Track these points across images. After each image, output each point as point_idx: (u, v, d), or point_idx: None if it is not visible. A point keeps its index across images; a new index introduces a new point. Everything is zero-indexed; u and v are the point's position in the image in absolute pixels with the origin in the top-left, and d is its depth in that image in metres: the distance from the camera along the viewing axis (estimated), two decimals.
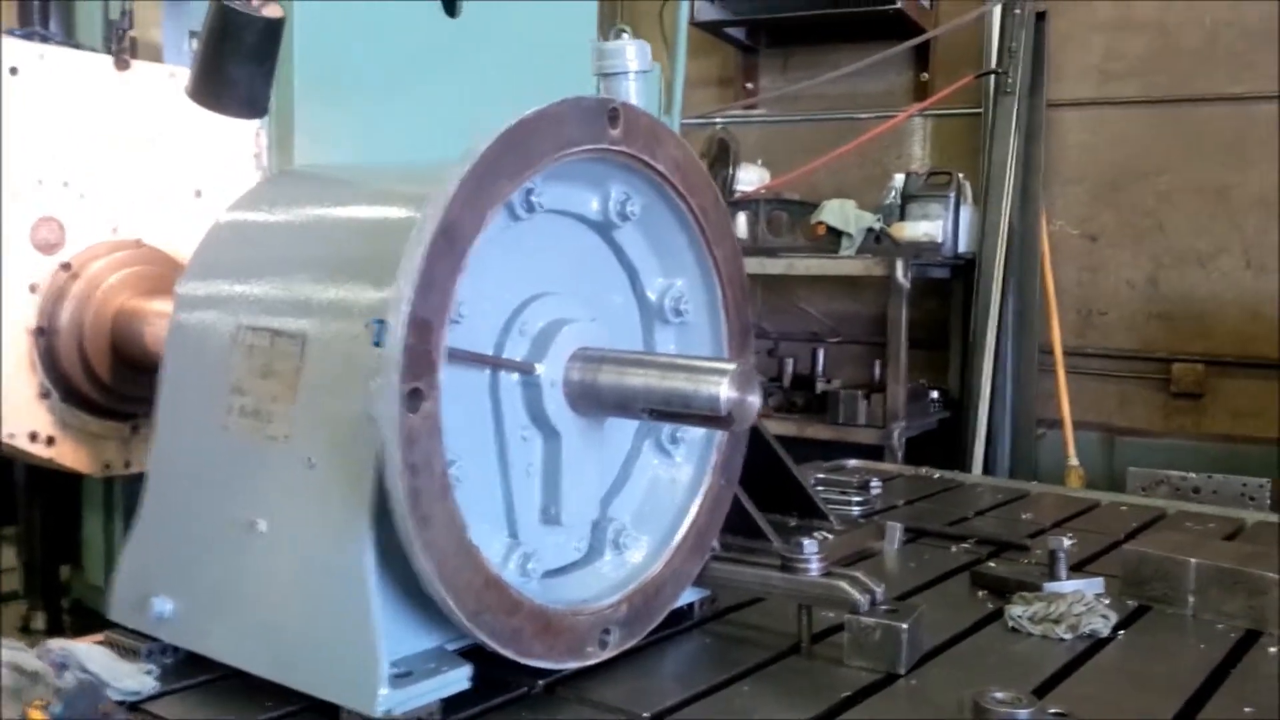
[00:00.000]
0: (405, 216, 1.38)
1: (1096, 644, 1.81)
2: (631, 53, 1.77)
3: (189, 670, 1.58)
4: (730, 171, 5.73)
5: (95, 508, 2.71)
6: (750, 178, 5.89)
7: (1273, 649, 1.81)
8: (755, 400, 1.48)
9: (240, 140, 2.49)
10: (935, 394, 5.76)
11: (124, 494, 2.62)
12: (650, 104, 1.88)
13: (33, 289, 2.20)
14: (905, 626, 1.64)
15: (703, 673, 1.66)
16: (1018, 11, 5.65)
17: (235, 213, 1.73)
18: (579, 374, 1.56)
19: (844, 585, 1.69)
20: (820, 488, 2.75)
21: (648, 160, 1.59)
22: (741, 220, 5.54)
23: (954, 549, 2.40)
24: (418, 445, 1.31)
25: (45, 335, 2.22)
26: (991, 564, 2.24)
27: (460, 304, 1.38)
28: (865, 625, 1.66)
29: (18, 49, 2.15)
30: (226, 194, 2.40)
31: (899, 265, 5.12)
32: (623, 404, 1.54)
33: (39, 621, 2.75)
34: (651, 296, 1.76)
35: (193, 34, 2.51)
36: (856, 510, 2.74)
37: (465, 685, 1.45)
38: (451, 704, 1.44)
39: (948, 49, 6.10)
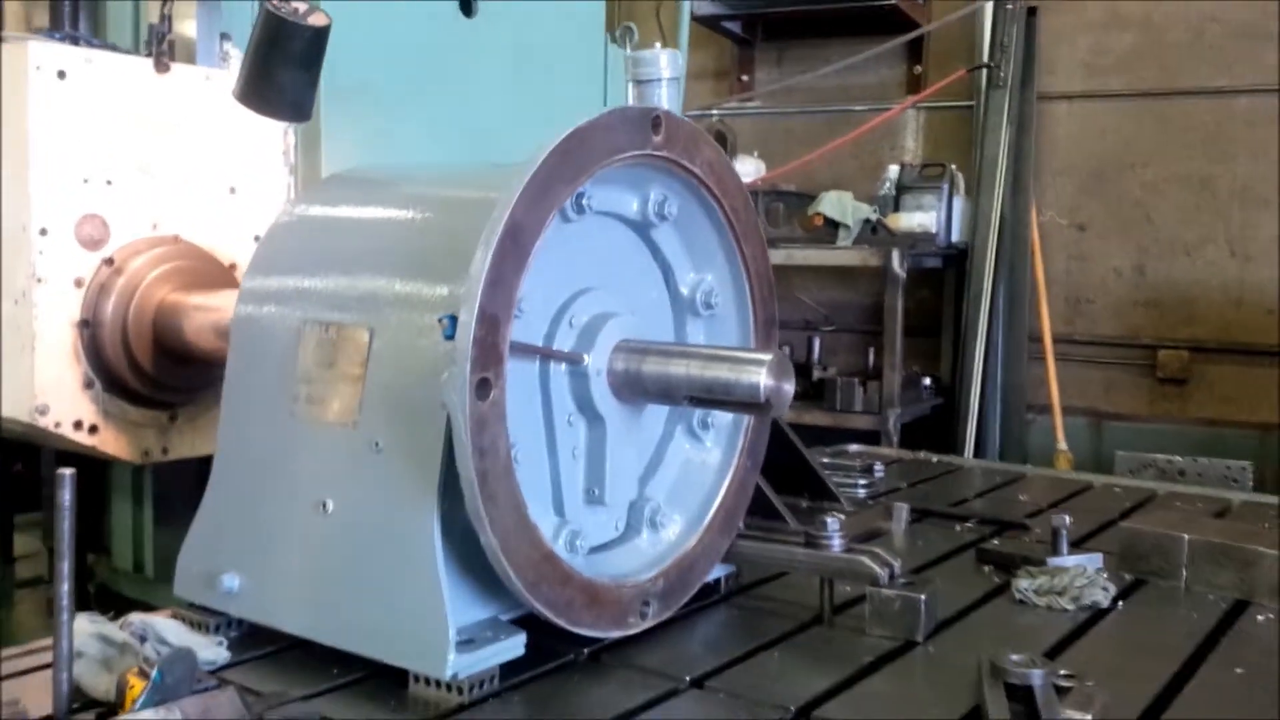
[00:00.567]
0: (469, 218, 1.48)
1: (1098, 614, 1.93)
2: (664, 61, 1.88)
3: (253, 643, 1.69)
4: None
5: (124, 494, 2.79)
6: (747, 169, 5.99)
7: (1261, 617, 1.94)
8: (790, 387, 1.59)
9: (270, 140, 2.57)
10: (928, 380, 5.90)
11: (153, 481, 2.71)
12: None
13: (78, 283, 2.25)
14: (923, 597, 1.77)
15: (734, 641, 1.78)
16: (1009, 7, 5.78)
17: (293, 212, 1.83)
18: (623, 364, 1.68)
19: (865, 560, 1.81)
20: (827, 472, 2.87)
21: (686, 164, 1.70)
22: None
23: (958, 528, 2.53)
24: (486, 430, 1.42)
25: (90, 328, 2.27)
26: (995, 541, 2.37)
27: (520, 300, 1.49)
28: (886, 597, 1.78)
29: (66, 54, 2.22)
30: (258, 191, 2.52)
31: (895, 255, 5.24)
32: (666, 392, 1.66)
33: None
34: (684, 291, 1.87)
35: (224, 36, 2.58)
36: (862, 492, 2.86)
37: (520, 652, 1.57)
38: (507, 669, 1.56)
39: (940, 43, 6.23)
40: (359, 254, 1.67)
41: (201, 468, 2.56)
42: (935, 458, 3.50)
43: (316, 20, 2.05)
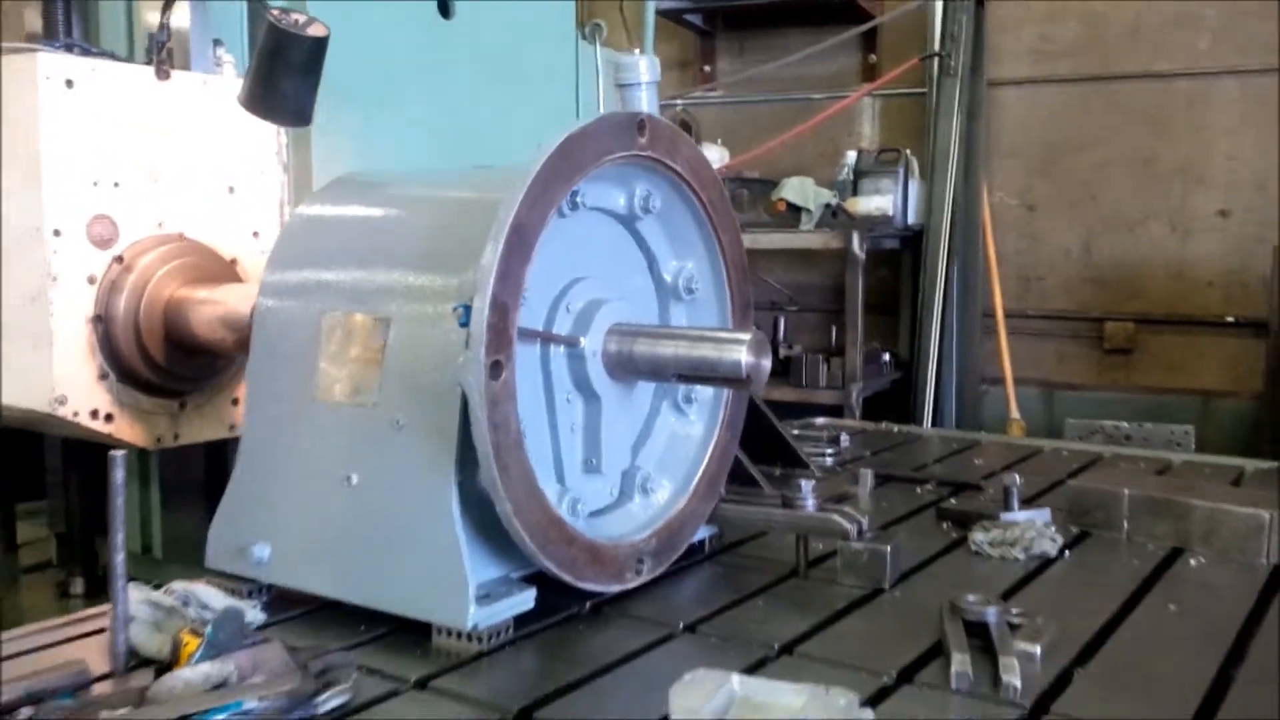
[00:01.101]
0: (474, 217, 1.64)
1: (1046, 562, 2.14)
2: (644, 66, 2.05)
3: (281, 607, 1.85)
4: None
5: (131, 479, 2.91)
6: (711, 157, 6.10)
7: (1193, 562, 2.15)
8: (767, 363, 1.78)
9: (265, 141, 2.69)
10: (888, 356, 6.12)
11: (159, 465, 2.84)
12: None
13: (90, 281, 2.36)
14: (889, 549, 1.96)
15: (720, 593, 1.96)
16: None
17: (306, 211, 1.98)
18: (615, 345, 1.85)
19: (836, 517, 2.00)
20: (797, 443, 3.06)
21: (668, 162, 1.88)
22: None
23: (918, 490, 2.73)
24: (499, 407, 1.58)
25: (103, 323, 2.37)
26: (952, 501, 2.57)
27: (525, 289, 1.66)
28: (855, 549, 1.98)
29: (73, 64, 2.32)
30: (255, 190, 2.64)
31: (855, 238, 5.45)
32: (656, 370, 1.84)
33: (78, 587, 2.90)
34: (667, 277, 2.05)
35: (217, 41, 2.69)
36: (830, 460, 3.06)
37: (531, 605, 1.74)
38: (519, 621, 1.73)
39: (894, 33, 6.44)
40: (372, 250, 1.83)
41: (207, 452, 2.72)
42: (897, 428, 3.71)
43: (316, 31, 2.19)
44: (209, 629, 1.54)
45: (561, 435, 1.86)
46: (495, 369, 1.57)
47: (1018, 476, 2.40)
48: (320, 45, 2.19)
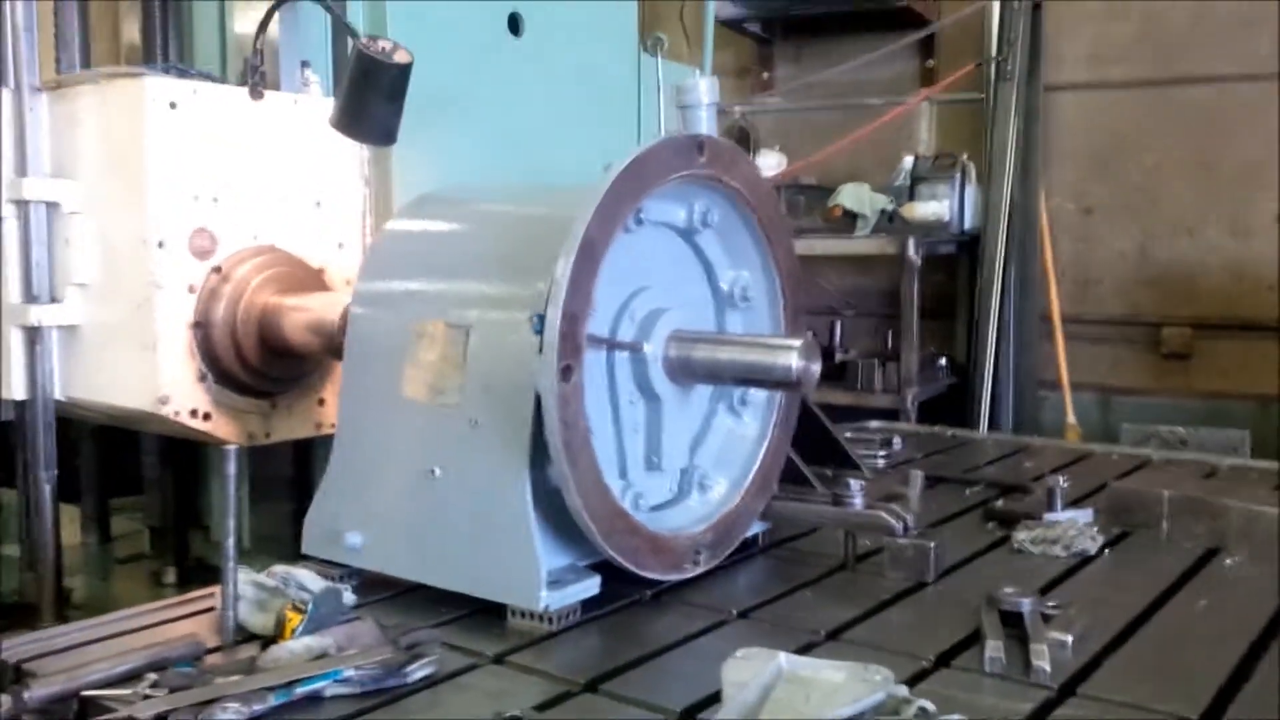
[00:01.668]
0: (548, 232, 1.79)
1: (1086, 560, 2.23)
2: (704, 88, 2.17)
3: (370, 590, 2.02)
4: (750, 158, 6.12)
5: (221, 475, 3.10)
6: (770, 163, 6.28)
7: (1228, 561, 2.23)
8: (817, 368, 1.91)
9: (349, 157, 2.87)
10: (944, 361, 6.18)
11: (249, 462, 3.03)
12: None
13: (191, 290, 2.53)
14: (933, 545, 2.08)
15: (772, 584, 2.10)
16: (1016, 4, 6.03)
17: (394, 227, 2.16)
18: (676, 351, 2.00)
19: (883, 514, 2.13)
20: (850, 445, 3.18)
21: (726, 180, 2.02)
22: None
23: (967, 492, 2.83)
24: (569, 407, 1.74)
25: (202, 328, 2.55)
26: (999, 502, 2.67)
27: (594, 300, 1.81)
28: (901, 545, 2.10)
29: (176, 86, 2.51)
30: (340, 203, 2.82)
31: (911, 244, 5.53)
32: (713, 374, 1.98)
33: (170, 576, 3.10)
34: (724, 286, 2.19)
35: (304, 64, 2.87)
36: (882, 463, 3.17)
37: (597, 590, 1.90)
38: (586, 606, 1.89)
39: (951, 39, 6.50)
40: (454, 263, 2.00)
41: (295, 452, 2.90)
42: (950, 432, 3.81)
43: (401, 58, 2.37)
44: (310, 606, 1.72)
45: (625, 434, 2.01)
46: (566, 373, 1.73)
47: (1062, 478, 2.50)
48: (405, 71, 2.37)
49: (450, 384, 1.91)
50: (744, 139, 6.25)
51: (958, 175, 5.92)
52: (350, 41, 2.42)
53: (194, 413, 2.57)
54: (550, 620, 1.81)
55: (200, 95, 2.55)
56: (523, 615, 1.83)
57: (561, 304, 1.70)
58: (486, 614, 1.88)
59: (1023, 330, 6.04)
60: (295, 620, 1.71)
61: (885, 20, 6.37)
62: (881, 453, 3.25)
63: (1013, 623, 1.77)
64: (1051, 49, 6.22)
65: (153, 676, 1.57)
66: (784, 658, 1.44)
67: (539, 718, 1.47)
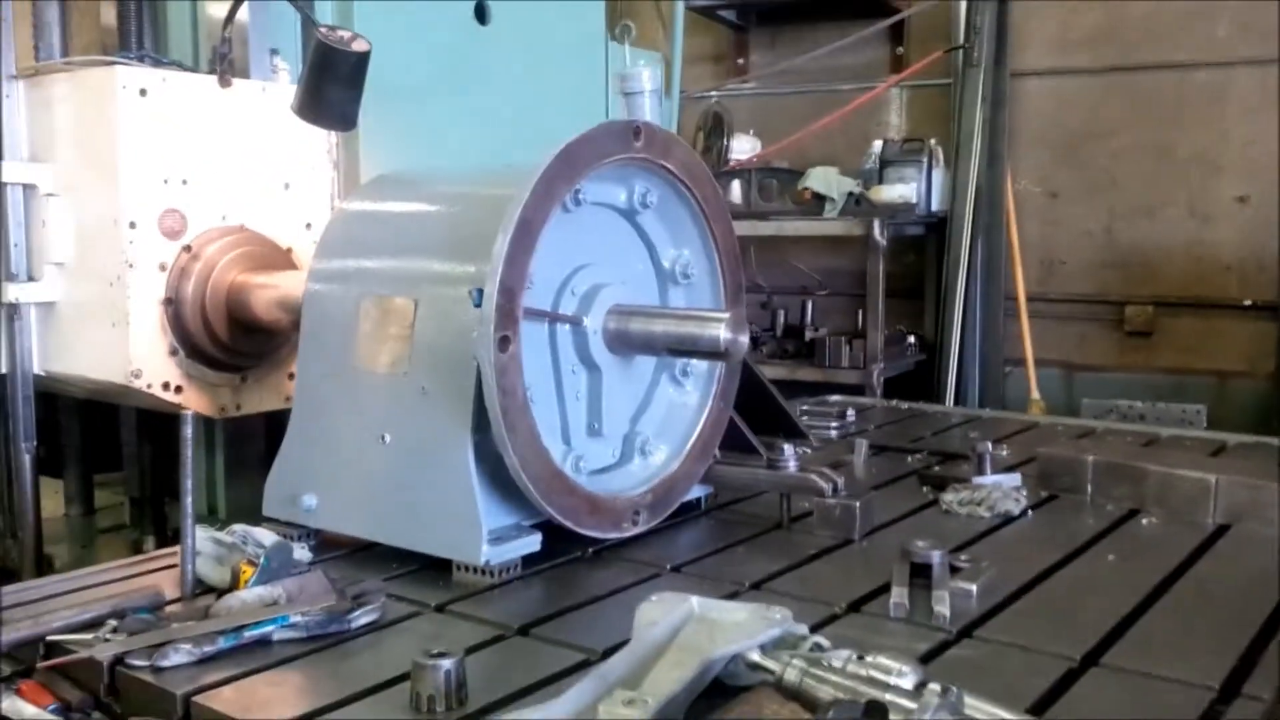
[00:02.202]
0: (490, 212, 1.91)
1: (1009, 520, 2.36)
2: (646, 75, 2.29)
3: (326, 549, 2.14)
4: (725, 142, 6.25)
5: (198, 447, 3.20)
6: (744, 147, 6.39)
7: (1145, 521, 2.36)
8: (745, 339, 2.03)
9: (317, 142, 2.96)
10: (912, 339, 6.33)
11: (223, 434, 3.14)
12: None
13: (162, 268, 2.62)
14: (858, 504, 2.21)
15: (709, 542, 2.23)
16: None
17: (348, 207, 2.27)
18: (614, 324, 2.12)
19: (814, 477, 2.26)
20: (805, 416, 3.31)
21: (662, 163, 2.13)
22: (735, 187, 6.08)
23: (909, 459, 2.96)
24: (507, 376, 1.86)
25: (173, 305, 2.64)
26: (936, 468, 2.80)
27: (531, 275, 1.93)
28: (829, 505, 2.23)
29: (146, 74, 2.60)
30: (308, 186, 2.92)
31: (876, 225, 5.67)
32: (648, 345, 2.10)
33: (150, 545, 3.19)
34: (665, 264, 2.31)
35: (273, 51, 2.96)
36: (834, 433, 3.31)
37: (537, 547, 2.02)
38: (528, 561, 2.01)
39: (921, 26, 6.62)
40: (404, 241, 2.12)
41: (267, 423, 3.01)
42: (905, 405, 3.93)
43: (359, 46, 2.46)
44: (263, 558, 1.84)
45: (568, 402, 2.13)
46: (503, 343, 1.85)
47: (991, 444, 2.63)
48: (363, 59, 2.47)
49: (400, 355, 2.02)
50: (719, 124, 6.35)
51: (925, 159, 6.04)
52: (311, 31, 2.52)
53: (166, 385, 2.67)
54: (492, 574, 1.94)
55: (170, 83, 2.64)
56: (466, 569, 1.96)
57: (498, 279, 1.82)
58: (434, 569, 2.00)
59: (989, 309, 6.18)
60: (249, 573, 1.83)
61: (857, 8, 6.49)
62: (835, 424, 3.38)
63: (924, 574, 1.89)
64: (1018, 36, 6.33)
65: (114, 623, 1.69)
66: (696, 601, 1.56)
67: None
